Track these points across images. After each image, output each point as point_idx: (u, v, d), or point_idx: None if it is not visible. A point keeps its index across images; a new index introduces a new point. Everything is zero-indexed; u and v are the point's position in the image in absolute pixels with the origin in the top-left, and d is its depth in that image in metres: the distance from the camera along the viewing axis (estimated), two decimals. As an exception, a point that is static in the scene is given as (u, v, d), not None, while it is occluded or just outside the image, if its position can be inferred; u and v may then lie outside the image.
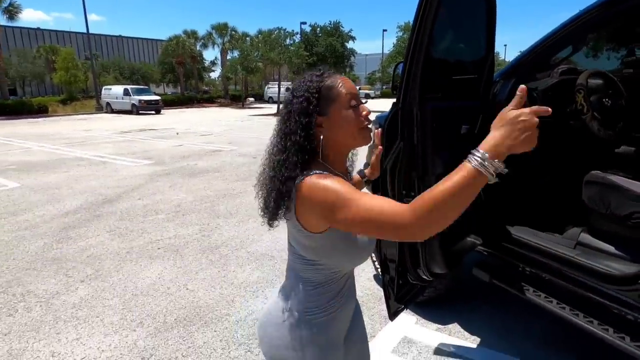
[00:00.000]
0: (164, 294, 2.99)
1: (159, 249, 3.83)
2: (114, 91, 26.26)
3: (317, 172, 0.94)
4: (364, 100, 1.05)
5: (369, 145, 1.05)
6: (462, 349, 2.31)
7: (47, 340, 2.44)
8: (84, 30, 28.74)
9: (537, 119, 0.72)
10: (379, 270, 3.00)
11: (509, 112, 0.73)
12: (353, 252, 1.01)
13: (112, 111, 26.01)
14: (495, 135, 0.74)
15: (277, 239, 4.04)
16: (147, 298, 2.92)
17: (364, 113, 1.00)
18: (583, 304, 1.84)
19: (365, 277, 3.21)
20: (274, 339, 1.06)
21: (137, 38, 58.85)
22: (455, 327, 2.53)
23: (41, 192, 5.93)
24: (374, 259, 3.04)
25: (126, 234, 4.21)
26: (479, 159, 0.72)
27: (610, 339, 1.67)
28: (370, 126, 1.02)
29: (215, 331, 2.52)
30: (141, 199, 5.56)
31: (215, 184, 6.41)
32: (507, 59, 49.34)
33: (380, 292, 2.95)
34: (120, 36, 56.69)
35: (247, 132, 14.16)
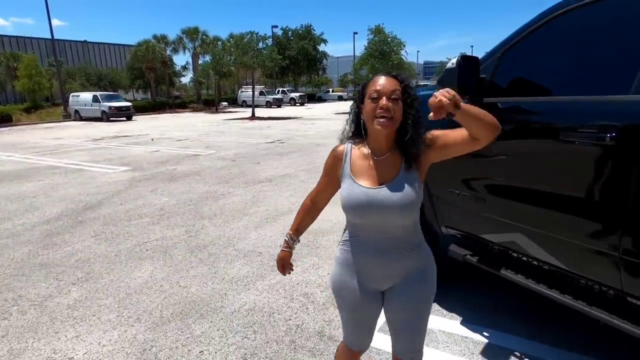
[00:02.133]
0: (157, 291, 3.09)
1: (147, 250, 3.91)
2: (83, 98, 25.59)
3: (349, 142, 1.44)
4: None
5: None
6: (439, 324, 2.54)
7: (47, 339, 2.51)
8: (46, 36, 27.85)
9: None
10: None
11: None
12: (345, 206, 1.37)
13: (81, 119, 25.33)
14: None
15: (262, 236, 4.20)
16: (141, 296, 3.02)
17: (380, 104, 1.27)
18: (545, 275, 2.10)
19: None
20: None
21: (103, 43, 57.36)
22: (433, 305, 2.76)
23: (18, 201, 5.85)
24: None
25: (112, 238, 4.26)
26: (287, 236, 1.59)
27: (568, 302, 1.91)
28: (383, 118, 1.28)
29: (211, 322, 2.65)
30: (123, 204, 5.58)
31: (196, 187, 6.48)
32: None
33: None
34: (85, 41, 55.10)
35: (224, 136, 14.17)
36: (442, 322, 2.57)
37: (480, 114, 1.21)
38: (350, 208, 1.34)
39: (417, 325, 1.46)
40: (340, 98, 45.90)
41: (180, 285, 3.17)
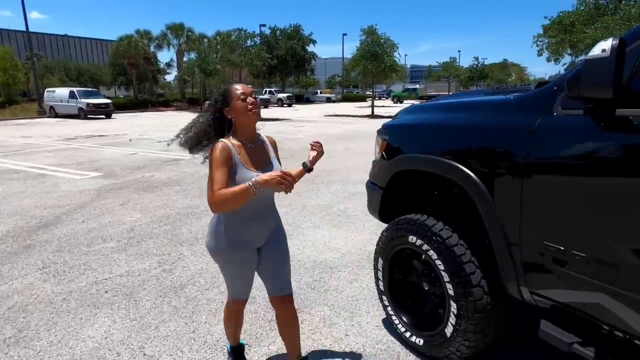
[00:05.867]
0: (112, 364, 2.22)
1: (106, 292, 3.02)
2: (59, 94, 24.24)
3: (223, 140, 1.73)
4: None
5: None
6: None
7: None
8: (24, 29, 26.32)
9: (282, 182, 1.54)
10: (392, 316, 2.40)
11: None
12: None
13: (57, 115, 23.98)
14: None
15: (256, 271, 3.35)
16: (88, 373, 2.15)
17: (250, 101, 1.75)
18: None
19: (373, 323, 2.59)
20: (209, 227, 1.90)
21: (85, 38, 55.60)
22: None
23: (-43, 216, 4.86)
24: (386, 302, 2.44)
25: (63, 272, 3.35)
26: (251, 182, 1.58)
27: None
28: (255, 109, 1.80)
29: None
30: (85, 221, 4.66)
31: (175, 200, 5.59)
32: (462, 64, 50.89)
33: (396, 344, 2.36)
34: (66, 35, 53.25)
35: (209, 138, 13.20)
36: None
37: None
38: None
39: (288, 262, 1.96)
40: (328, 100, 45.13)
41: (144, 354, 2.30)
